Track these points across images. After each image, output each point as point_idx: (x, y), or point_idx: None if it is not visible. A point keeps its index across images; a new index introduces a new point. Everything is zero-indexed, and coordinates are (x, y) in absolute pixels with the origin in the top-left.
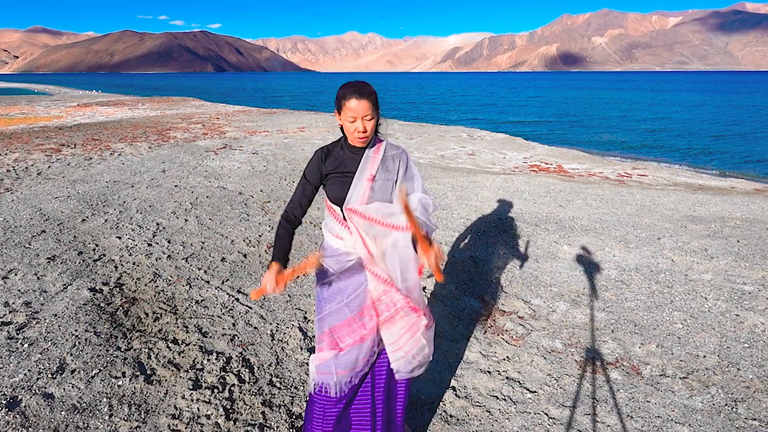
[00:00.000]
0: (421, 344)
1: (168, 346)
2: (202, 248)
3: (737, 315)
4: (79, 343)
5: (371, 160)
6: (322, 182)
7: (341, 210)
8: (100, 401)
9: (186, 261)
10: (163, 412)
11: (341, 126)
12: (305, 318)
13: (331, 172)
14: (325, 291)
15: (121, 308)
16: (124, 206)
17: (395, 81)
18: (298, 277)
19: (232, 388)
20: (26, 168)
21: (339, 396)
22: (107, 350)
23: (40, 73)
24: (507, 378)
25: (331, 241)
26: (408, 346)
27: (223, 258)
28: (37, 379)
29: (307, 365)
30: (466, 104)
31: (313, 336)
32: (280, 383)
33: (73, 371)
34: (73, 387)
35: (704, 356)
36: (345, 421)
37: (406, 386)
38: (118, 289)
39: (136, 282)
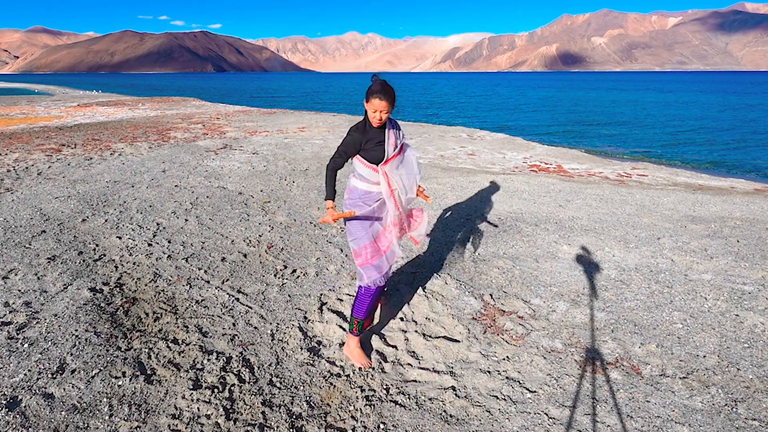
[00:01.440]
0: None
1: (168, 346)
2: (202, 248)
3: (737, 315)
4: (80, 343)
5: (392, 134)
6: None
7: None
8: (100, 401)
9: (186, 261)
10: (163, 412)
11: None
12: (305, 318)
13: (369, 142)
14: (353, 225)
15: (121, 308)
16: (125, 206)
17: (398, 81)
18: (337, 220)
19: (232, 388)
20: (26, 168)
21: (377, 287)
22: (107, 350)
23: (40, 74)
24: (507, 378)
25: (364, 187)
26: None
27: (224, 258)
28: (37, 379)
29: (307, 365)
30: (471, 106)
31: (313, 336)
32: (280, 383)
33: (73, 371)
34: (73, 387)
35: (704, 356)
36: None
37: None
38: (118, 289)
39: (136, 282)
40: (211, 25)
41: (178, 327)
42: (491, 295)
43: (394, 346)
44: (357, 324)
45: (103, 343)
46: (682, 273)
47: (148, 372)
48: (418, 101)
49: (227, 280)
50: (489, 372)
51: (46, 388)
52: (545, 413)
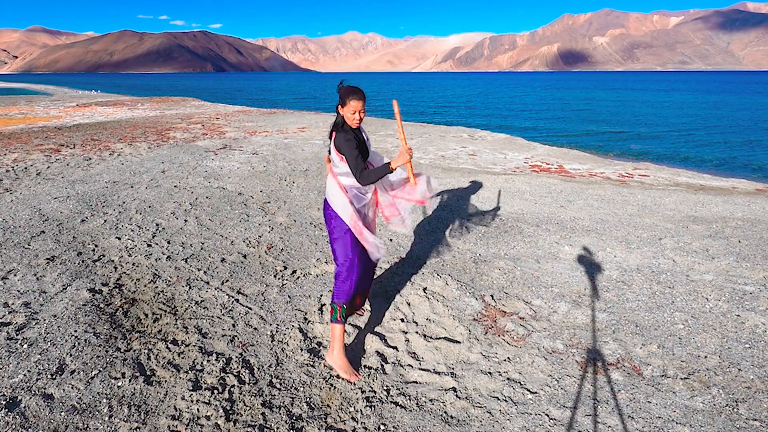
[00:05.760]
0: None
1: (168, 347)
2: (201, 249)
3: (738, 315)
4: (79, 343)
5: (365, 132)
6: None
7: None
8: (100, 402)
9: (185, 261)
10: (163, 413)
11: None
12: (305, 319)
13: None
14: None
15: (120, 309)
16: (124, 207)
17: (399, 81)
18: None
19: (231, 389)
20: (25, 168)
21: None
22: (107, 351)
23: (39, 73)
24: (508, 379)
25: (356, 184)
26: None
27: (223, 258)
28: (37, 379)
29: (307, 366)
30: (472, 105)
31: (314, 337)
32: (280, 384)
33: (72, 372)
34: (72, 388)
35: (705, 357)
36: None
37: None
38: (117, 289)
39: (135, 283)
40: (211, 24)
41: (177, 328)
42: (492, 295)
43: (395, 347)
44: (340, 310)
45: (102, 344)
46: (683, 273)
47: (148, 373)
48: (418, 101)
49: (227, 281)
50: (490, 373)
51: (45, 388)
52: (546, 414)
